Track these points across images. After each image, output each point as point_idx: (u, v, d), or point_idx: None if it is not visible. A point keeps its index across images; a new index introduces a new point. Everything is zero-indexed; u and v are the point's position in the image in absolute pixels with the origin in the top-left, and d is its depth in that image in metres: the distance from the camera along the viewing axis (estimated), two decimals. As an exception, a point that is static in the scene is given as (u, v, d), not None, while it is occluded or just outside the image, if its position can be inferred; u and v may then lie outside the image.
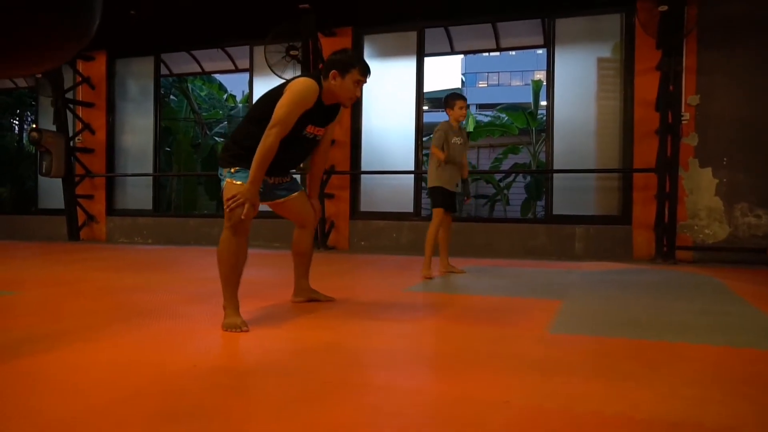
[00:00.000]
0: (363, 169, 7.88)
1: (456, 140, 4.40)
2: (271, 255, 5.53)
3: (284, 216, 2.93)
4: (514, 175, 14.60)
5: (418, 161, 7.75)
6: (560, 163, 7.10)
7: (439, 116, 26.25)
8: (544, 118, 8.45)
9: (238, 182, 2.51)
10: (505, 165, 14.44)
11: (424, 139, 7.94)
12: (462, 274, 4.64)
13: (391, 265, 5.52)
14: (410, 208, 7.59)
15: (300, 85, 2.52)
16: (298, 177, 7.33)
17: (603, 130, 7.02)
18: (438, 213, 4.40)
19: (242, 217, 2.46)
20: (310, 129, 2.65)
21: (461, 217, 7.42)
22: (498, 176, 14.63)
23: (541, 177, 12.40)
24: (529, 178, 13.87)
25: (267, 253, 6.01)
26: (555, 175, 7.13)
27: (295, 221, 2.95)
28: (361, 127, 7.95)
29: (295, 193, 2.85)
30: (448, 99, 4.42)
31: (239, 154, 2.56)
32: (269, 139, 2.45)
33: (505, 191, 14.70)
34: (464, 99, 4.41)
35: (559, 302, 3.32)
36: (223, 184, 2.58)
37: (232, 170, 2.56)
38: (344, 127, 7.86)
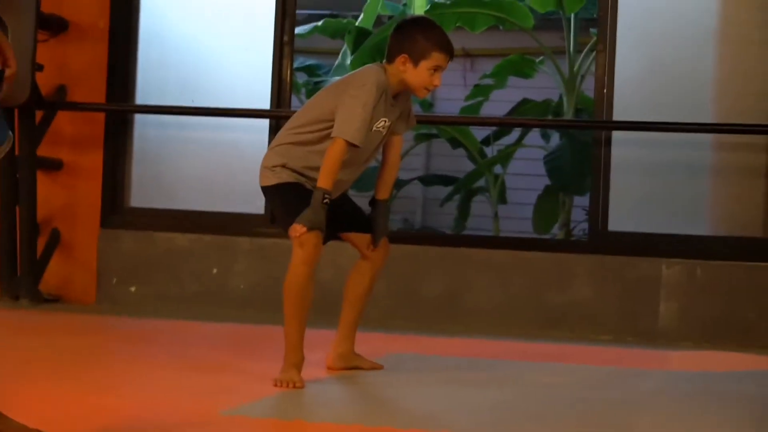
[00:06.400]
0: (139, 102, 7.46)
1: (381, 124, 4.65)
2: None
3: None
4: (518, 131, 13.99)
5: (280, 89, 7.27)
6: (631, 109, 6.84)
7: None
8: (595, -3, 8.78)
9: None
10: (500, 105, 13.87)
11: (297, 31, 8.02)
12: (378, 372, 4.78)
13: (203, 348, 5.53)
14: (258, 206, 6.92)
15: None
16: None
17: (732, 31, 6.92)
18: (311, 240, 4.44)
19: None
20: None
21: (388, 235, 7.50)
22: (479, 133, 13.81)
23: (585, 138, 12.23)
24: (556, 138, 13.48)
25: None
26: (616, 135, 6.89)
27: None
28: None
29: None
30: (413, 33, 4.60)
31: None
32: None
33: (498, 169, 13.97)
34: (450, 50, 4.62)
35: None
36: None
37: None
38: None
